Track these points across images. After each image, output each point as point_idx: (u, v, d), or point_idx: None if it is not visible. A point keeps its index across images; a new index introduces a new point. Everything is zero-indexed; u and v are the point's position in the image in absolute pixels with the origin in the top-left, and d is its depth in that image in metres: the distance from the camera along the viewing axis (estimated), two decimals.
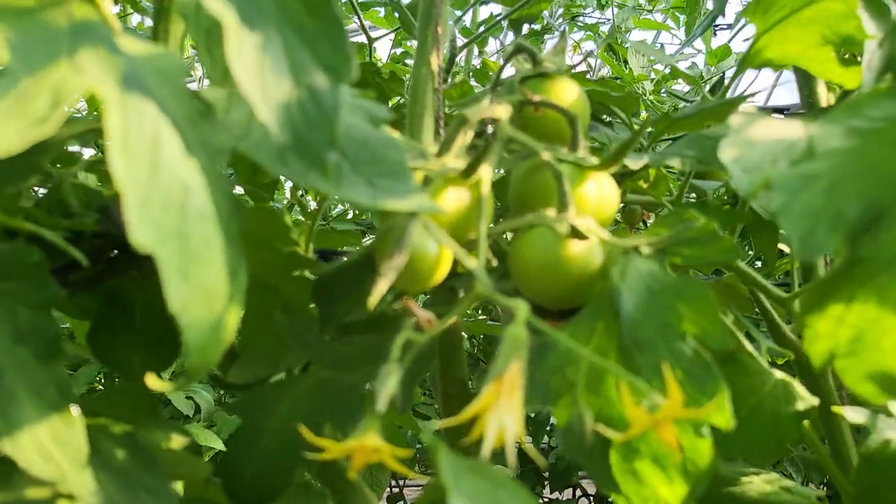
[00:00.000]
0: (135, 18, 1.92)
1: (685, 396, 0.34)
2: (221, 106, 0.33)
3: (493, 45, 2.13)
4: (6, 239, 0.42)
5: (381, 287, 0.34)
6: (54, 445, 0.33)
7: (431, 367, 0.51)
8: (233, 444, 0.46)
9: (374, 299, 0.33)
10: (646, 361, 0.35)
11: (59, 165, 0.54)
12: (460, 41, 1.29)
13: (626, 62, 1.49)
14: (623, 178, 0.59)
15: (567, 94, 0.46)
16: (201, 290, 0.28)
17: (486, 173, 0.40)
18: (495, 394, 0.30)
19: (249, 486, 0.45)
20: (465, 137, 0.42)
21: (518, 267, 0.39)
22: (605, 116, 0.73)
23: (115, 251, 0.53)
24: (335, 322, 0.43)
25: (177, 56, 0.34)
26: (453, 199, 0.39)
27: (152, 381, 0.29)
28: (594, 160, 0.42)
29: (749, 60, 0.55)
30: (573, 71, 0.52)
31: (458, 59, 1.13)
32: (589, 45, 2.21)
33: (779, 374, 0.49)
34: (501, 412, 0.30)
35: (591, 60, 1.96)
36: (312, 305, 0.49)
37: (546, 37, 1.85)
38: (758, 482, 0.53)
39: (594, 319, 0.37)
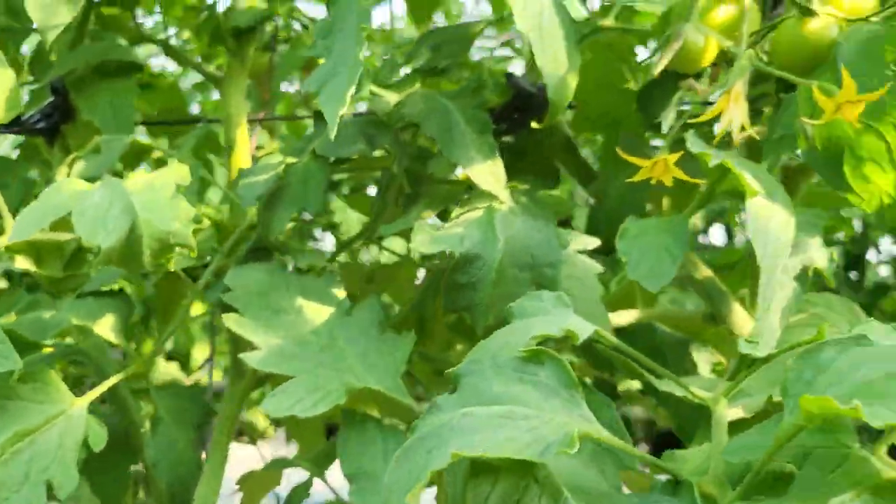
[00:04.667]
0: None
1: (886, 100, 0.48)
2: None
3: None
4: None
5: (662, 63, 0.54)
6: (490, 175, 0.61)
7: None
8: None
9: (659, 67, 0.54)
10: (860, 84, 0.49)
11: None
12: None
13: None
14: None
15: None
16: (552, 57, 0.52)
17: None
18: (727, 100, 0.49)
19: None
20: None
21: (774, 46, 0.56)
22: None
23: (517, 113, 0.81)
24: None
25: None
26: (723, 9, 0.58)
27: None
28: None
29: None
30: None
31: None
32: None
33: None
34: (731, 111, 0.49)
35: None
36: None
37: None
38: None
39: (823, 71, 0.52)
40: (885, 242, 1.98)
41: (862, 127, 0.50)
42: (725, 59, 0.57)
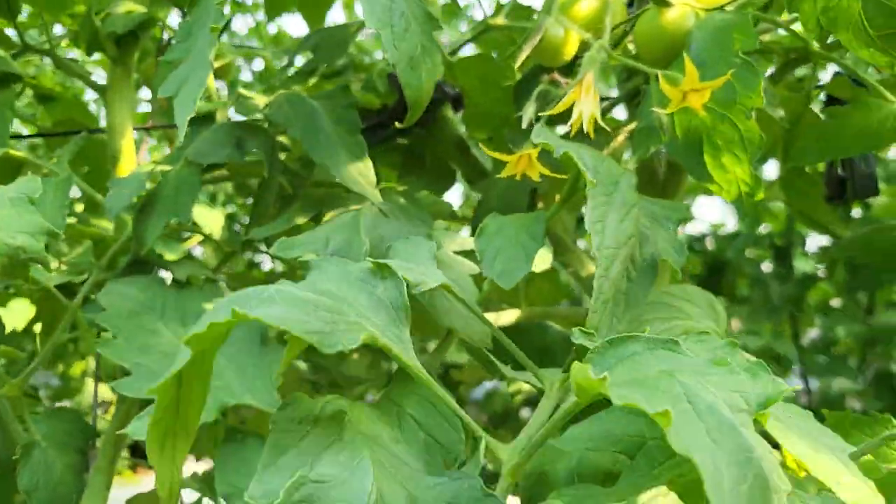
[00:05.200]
0: None
1: (735, 90, 0.48)
2: None
3: None
4: None
5: (522, 56, 0.53)
6: (359, 175, 0.59)
7: None
8: None
9: (519, 60, 0.53)
10: (709, 72, 0.49)
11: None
12: None
13: None
14: None
15: None
16: (406, 54, 0.51)
17: None
18: (578, 92, 0.48)
19: None
20: None
21: (635, 37, 0.56)
22: None
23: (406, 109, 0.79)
24: None
25: None
26: (586, 2, 0.57)
27: None
28: None
29: None
30: None
31: None
32: None
33: None
34: (583, 103, 0.48)
35: None
36: None
37: None
38: None
39: (678, 63, 0.52)
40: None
41: (717, 116, 0.50)
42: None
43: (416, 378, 0.37)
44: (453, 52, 0.75)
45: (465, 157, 0.78)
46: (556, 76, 0.57)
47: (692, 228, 2.21)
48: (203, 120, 0.69)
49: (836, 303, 2.17)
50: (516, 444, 0.39)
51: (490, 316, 0.61)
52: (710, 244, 2.20)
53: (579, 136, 0.60)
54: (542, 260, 0.58)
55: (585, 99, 0.48)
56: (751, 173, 0.50)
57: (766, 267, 2.12)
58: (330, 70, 0.79)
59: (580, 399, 0.34)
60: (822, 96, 0.72)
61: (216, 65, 0.72)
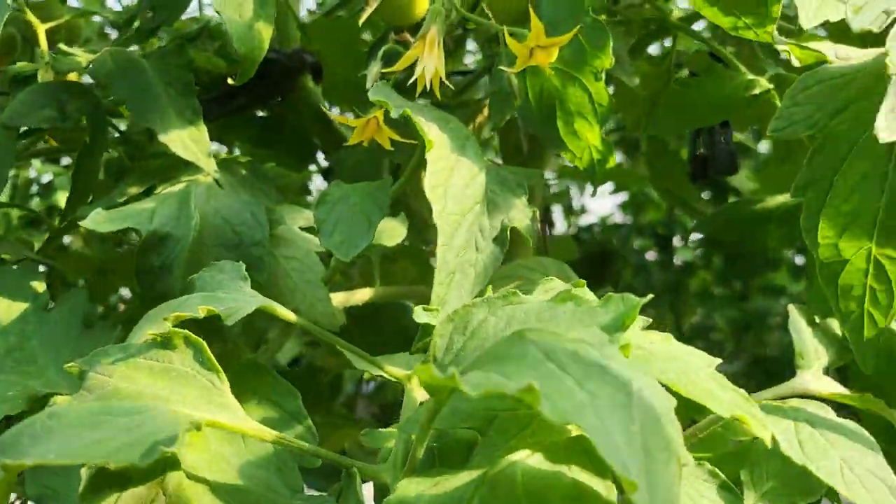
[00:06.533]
0: None
1: (585, 48, 0.46)
2: None
3: None
4: None
5: (365, 14, 0.49)
6: (192, 141, 0.54)
7: None
8: None
9: (363, 18, 0.49)
10: (559, 31, 0.46)
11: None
12: None
13: None
14: None
15: None
16: (234, 5, 0.46)
17: None
18: (421, 47, 0.45)
19: None
20: None
21: None
22: None
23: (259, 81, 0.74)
24: None
25: None
26: None
27: None
28: None
29: None
30: None
31: None
32: None
33: None
34: (426, 59, 0.45)
35: None
36: None
37: None
38: None
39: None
40: None
41: (567, 77, 0.47)
42: None
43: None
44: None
45: (326, 130, 0.73)
46: (407, 36, 0.53)
47: (584, 220, 2.25)
48: (25, 81, 0.62)
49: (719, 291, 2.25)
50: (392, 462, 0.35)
51: (340, 296, 0.57)
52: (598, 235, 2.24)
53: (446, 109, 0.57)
54: (394, 234, 0.55)
55: (429, 55, 0.44)
56: (601, 139, 0.48)
57: (653, 256, 2.18)
58: (182, 35, 0.73)
59: (436, 399, 0.31)
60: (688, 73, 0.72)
61: (50, 25, 0.64)
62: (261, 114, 0.80)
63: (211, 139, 0.84)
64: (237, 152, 0.78)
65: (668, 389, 0.30)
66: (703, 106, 0.56)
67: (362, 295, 0.59)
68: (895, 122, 0.34)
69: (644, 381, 0.25)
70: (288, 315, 0.40)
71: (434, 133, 0.41)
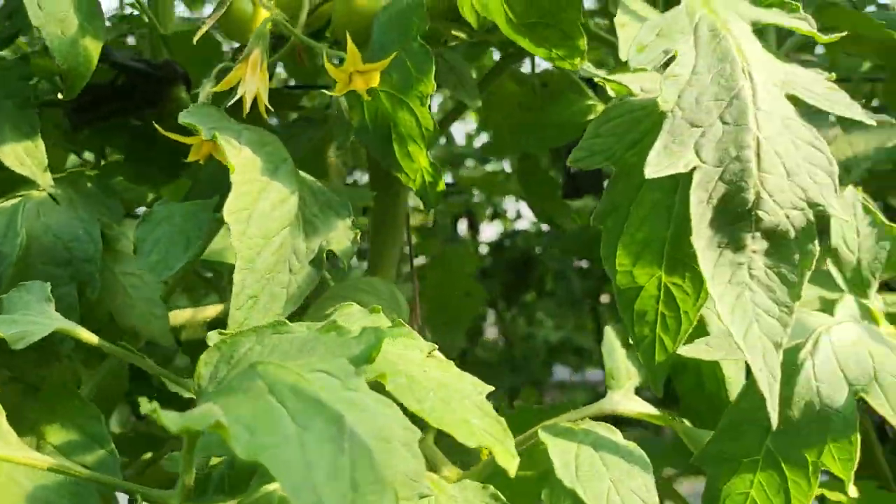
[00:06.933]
0: None
1: (412, 73, 0.46)
2: None
3: None
4: None
5: (202, 30, 0.49)
6: (27, 156, 0.53)
7: None
8: None
9: (199, 34, 0.49)
10: (386, 54, 0.46)
11: None
12: None
13: None
14: None
15: None
16: (53, 16, 0.45)
17: None
18: (244, 69, 0.45)
19: None
20: None
21: (333, 17, 0.53)
22: None
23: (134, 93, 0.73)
24: None
25: None
26: None
27: None
28: None
29: None
30: None
31: None
32: None
33: None
34: (248, 81, 0.45)
35: None
36: None
37: None
38: None
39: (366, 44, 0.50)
40: None
41: (396, 101, 0.48)
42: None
43: None
44: None
45: None
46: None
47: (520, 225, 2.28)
48: None
49: None
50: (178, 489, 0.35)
51: (187, 312, 0.57)
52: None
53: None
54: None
55: (251, 77, 0.45)
56: (430, 162, 0.49)
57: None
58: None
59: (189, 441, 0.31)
60: None
61: None
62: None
63: (77, 147, 0.82)
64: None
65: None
66: (551, 127, 0.58)
67: (212, 311, 0.58)
68: (665, 159, 0.35)
69: (371, 410, 0.26)
70: (89, 337, 0.39)
71: (243, 156, 0.41)
